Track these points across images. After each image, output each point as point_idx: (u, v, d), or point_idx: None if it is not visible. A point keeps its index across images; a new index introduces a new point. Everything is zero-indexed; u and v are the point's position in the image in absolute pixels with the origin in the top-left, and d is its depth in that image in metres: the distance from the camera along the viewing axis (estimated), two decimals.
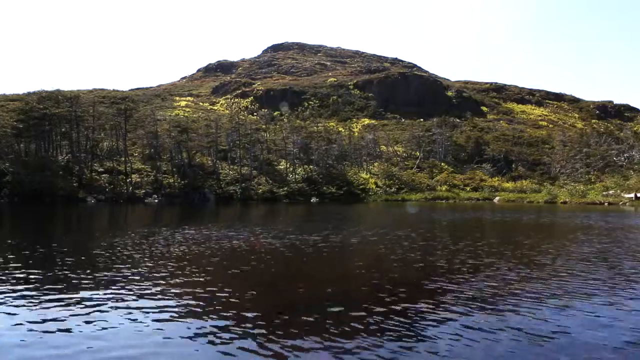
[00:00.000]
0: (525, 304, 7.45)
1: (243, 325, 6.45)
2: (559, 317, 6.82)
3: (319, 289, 8.69)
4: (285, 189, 51.16)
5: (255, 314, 6.93)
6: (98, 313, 7.00)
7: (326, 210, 35.86)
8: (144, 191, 47.46)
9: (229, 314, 6.97)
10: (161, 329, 6.28)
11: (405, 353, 5.52)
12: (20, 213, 31.71)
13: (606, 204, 45.30)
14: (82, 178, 47.38)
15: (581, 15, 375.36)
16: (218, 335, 6.07)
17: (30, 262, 11.26)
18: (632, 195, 47.13)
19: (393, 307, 7.27)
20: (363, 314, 6.88)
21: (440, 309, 7.21)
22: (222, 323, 6.55)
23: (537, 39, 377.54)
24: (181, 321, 6.65)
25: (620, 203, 45.24)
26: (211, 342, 5.82)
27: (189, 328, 6.33)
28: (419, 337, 6.02)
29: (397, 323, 6.50)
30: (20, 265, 10.68)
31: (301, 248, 13.80)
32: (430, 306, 7.36)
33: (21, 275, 9.53)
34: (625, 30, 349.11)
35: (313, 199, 50.17)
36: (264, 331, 6.19)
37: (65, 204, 39.56)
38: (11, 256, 11.89)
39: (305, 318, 6.75)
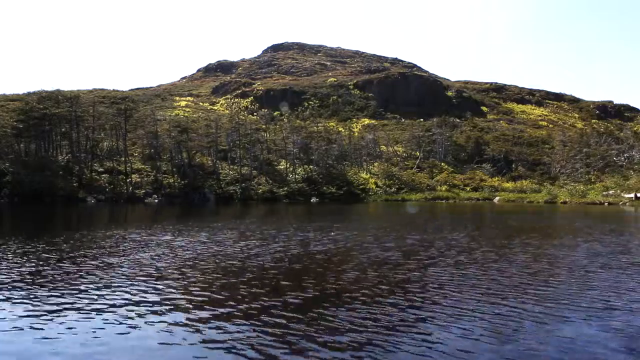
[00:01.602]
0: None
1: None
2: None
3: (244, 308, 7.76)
4: (285, 189, 51.14)
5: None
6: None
7: (322, 211, 35.81)
8: (144, 191, 47.46)
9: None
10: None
11: None
12: (19, 213, 31.71)
13: (606, 204, 45.29)
14: (82, 178, 47.37)
15: (581, 15, 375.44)
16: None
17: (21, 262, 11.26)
18: (632, 195, 47.09)
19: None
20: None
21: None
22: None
23: (537, 39, 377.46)
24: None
25: (620, 203, 45.22)
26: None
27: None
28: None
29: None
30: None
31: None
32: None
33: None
34: (625, 30, 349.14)
35: (313, 199, 50.17)
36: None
37: (65, 204, 39.57)
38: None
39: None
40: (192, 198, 47.33)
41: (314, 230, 19.47)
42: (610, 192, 51.16)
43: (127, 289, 8.77)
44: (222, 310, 7.52)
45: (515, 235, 18.66)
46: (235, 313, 7.37)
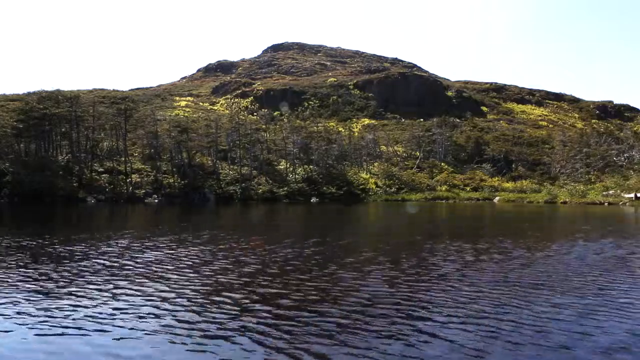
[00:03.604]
0: None
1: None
2: None
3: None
4: (285, 189, 51.10)
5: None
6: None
7: (322, 212, 35.80)
8: (144, 191, 47.42)
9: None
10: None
11: None
12: (19, 213, 31.71)
13: (606, 204, 45.26)
14: (82, 178, 47.33)
15: (581, 15, 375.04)
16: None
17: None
18: (632, 195, 47.06)
19: None
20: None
21: None
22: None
23: (537, 39, 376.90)
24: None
25: (620, 203, 45.19)
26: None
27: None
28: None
29: None
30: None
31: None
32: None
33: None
34: (625, 30, 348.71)
35: (313, 199, 50.15)
36: None
37: (65, 204, 39.55)
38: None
39: None
40: (192, 198, 47.30)
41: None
42: (610, 192, 51.10)
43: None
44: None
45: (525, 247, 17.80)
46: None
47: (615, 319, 7.31)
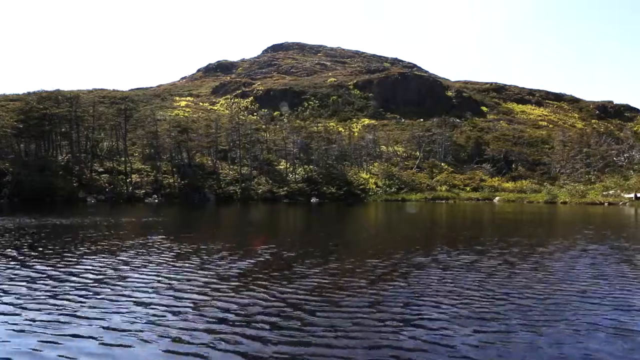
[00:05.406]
0: None
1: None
2: None
3: None
4: (285, 189, 51.14)
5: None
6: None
7: (321, 213, 35.74)
8: (144, 191, 47.45)
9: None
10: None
11: None
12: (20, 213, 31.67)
13: (606, 204, 45.25)
14: (82, 178, 47.38)
15: (581, 16, 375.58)
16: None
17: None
18: (632, 195, 47.07)
19: None
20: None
21: None
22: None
23: (537, 39, 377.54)
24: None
25: (620, 203, 45.17)
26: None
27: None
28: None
29: None
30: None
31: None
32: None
33: None
34: (625, 30, 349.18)
35: (313, 199, 50.16)
36: None
37: (65, 204, 39.53)
38: None
39: None
40: (192, 198, 47.33)
41: None
42: (610, 192, 51.11)
43: None
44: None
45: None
46: None
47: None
